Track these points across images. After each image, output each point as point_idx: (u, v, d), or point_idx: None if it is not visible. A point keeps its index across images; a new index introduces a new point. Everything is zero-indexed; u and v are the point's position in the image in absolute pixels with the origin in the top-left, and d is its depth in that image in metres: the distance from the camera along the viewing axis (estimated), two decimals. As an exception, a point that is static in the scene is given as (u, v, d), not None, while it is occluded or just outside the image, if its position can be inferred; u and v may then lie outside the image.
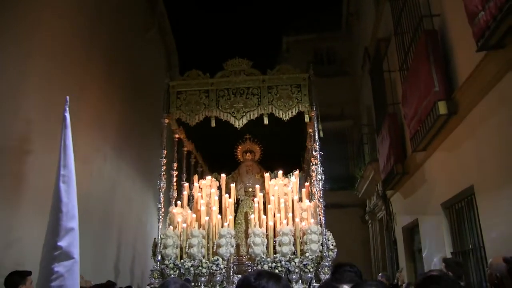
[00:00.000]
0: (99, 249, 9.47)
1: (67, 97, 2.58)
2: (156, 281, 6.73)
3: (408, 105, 8.29)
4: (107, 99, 10.58)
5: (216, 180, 8.45)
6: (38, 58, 7.38)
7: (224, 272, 6.81)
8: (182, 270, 6.80)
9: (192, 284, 6.75)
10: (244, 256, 7.54)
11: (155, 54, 15.34)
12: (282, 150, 9.07)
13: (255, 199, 7.79)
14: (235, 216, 8.07)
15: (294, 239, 6.96)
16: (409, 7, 8.24)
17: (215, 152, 9.50)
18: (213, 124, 7.59)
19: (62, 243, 2.30)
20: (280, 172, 8.18)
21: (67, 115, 2.55)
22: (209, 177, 8.46)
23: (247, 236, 7.56)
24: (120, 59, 11.32)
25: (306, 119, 7.55)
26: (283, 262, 6.71)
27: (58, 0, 8.38)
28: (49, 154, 6.69)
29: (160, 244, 7.06)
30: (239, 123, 7.55)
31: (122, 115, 11.44)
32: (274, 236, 7.09)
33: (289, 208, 7.54)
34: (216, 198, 7.75)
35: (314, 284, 6.61)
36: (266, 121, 7.47)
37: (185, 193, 8.15)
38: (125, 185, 11.62)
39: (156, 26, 14.76)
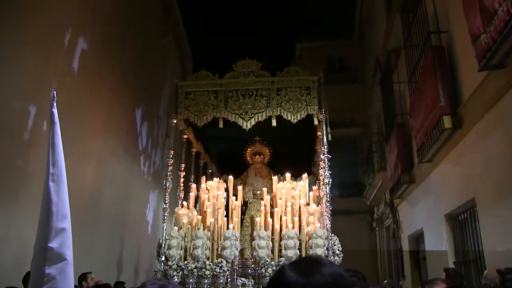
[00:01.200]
0: (111, 250, 9.79)
1: (54, 92, 2.49)
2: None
3: (415, 117, 8.52)
4: (120, 103, 10.86)
5: (224, 182, 8.40)
6: (50, 58, 7.61)
7: (227, 275, 6.71)
8: (185, 272, 6.74)
9: (195, 285, 6.75)
10: (249, 259, 7.46)
11: (170, 59, 15.66)
12: (292, 153, 9.13)
13: (262, 202, 7.79)
14: (242, 219, 8.03)
15: (300, 243, 6.89)
16: (418, 21, 8.47)
17: (224, 153, 9.57)
18: (220, 125, 7.55)
19: (53, 244, 2.19)
20: (288, 175, 8.12)
21: (55, 111, 2.43)
22: (216, 179, 8.43)
23: (252, 239, 7.53)
24: (134, 63, 11.62)
25: (315, 122, 7.46)
26: None
27: (75, 4, 8.64)
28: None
29: (165, 245, 7.00)
30: (247, 125, 7.48)
31: (134, 119, 11.74)
32: (280, 240, 7.01)
33: (296, 211, 7.48)
34: (223, 200, 7.71)
35: None
36: (274, 123, 7.42)
37: (192, 194, 8.11)
38: (138, 187, 11.93)
39: (171, 33, 15.07)
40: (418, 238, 10.69)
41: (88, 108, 9.09)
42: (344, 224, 7.36)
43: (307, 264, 1.42)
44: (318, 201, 7.93)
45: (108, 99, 10.15)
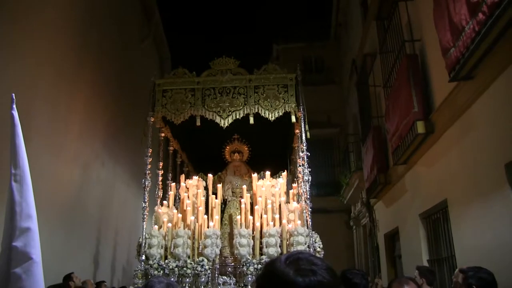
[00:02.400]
0: (96, 250, 9.96)
1: (13, 94, 2.48)
2: (140, 281, 6.62)
3: (390, 121, 8.87)
4: (102, 106, 11.00)
5: (203, 180, 8.39)
6: (31, 63, 7.62)
7: (209, 273, 6.67)
8: (166, 271, 6.68)
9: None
10: (228, 257, 7.44)
11: (148, 60, 15.77)
12: (270, 151, 9.08)
13: (242, 200, 7.68)
14: (221, 217, 7.97)
15: (281, 241, 6.86)
16: (393, 28, 8.81)
17: (202, 152, 9.40)
18: (198, 123, 7.46)
19: (17, 243, 2.20)
20: (268, 173, 8.15)
21: (15, 113, 2.45)
22: (195, 177, 8.38)
23: (231, 237, 7.62)
24: (113, 66, 11.75)
25: (293, 119, 7.42)
26: None
27: (53, 5, 8.65)
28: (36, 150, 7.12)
29: (145, 244, 6.92)
30: (224, 123, 7.42)
31: (116, 122, 11.90)
32: (261, 238, 6.98)
33: (276, 209, 7.48)
34: (203, 198, 7.65)
35: None
36: (251, 120, 7.35)
37: (171, 192, 8.09)
38: (121, 188, 12.11)
39: (151, 36, 15.22)
40: (393, 236, 11.08)
41: (73, 111, 9.23)
42: (322, 223, 7.38)
43: (304, 263, 1.43)
44: (297, 199, 7.97)
45: (89, 102, 10.25)
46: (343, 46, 19.05)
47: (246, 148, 9.18)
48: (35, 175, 7.52)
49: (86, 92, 10.14)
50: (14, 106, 2.46)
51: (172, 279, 6.55)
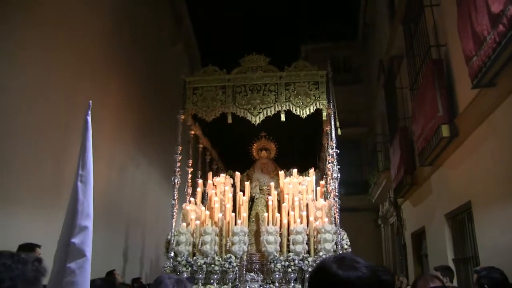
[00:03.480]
0: (130, 249, 10.39)
1: (90, 102, 2.60)
2: None
3: (417, 124, 9.08)
4: (134, 108, 11.42)
5: (231, 177, 8.34)
6: (63, 66, 7.90)
7: (236, 270, 6.67)
8: (194, 267, 6.71)
9: (204, 281, 6.73)
10: (254, 254, 7.43)
11: (179, 61, 16.09)
12: (298, 149, 9.10)
13: (269, 197, 7.60)
14: (249, 215, 7.87)
15: (308, 238, 6.85)
16: (419, 33, 9.03)
17: (230, 149, 9.42)
18: (229, 120, 7.51)
19: (76, 240, 2.32)
20: (295, 170, 8.07)
21: (89, 118, 2.58)
22: (223, 175, 8.38)
23: (257, 235, 7.66)
24: (144, 68, 12.16)
25: (324, 117, 7.43)
26: (296, 261, 6.57)
27: (89, 7, 9.04)
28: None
29: (173, 241, 6.98)
30: (255, 120, 7.42)
31: (148, 123, 12.35)
32: (288, 235, 6.96)
33: (303, 206, 7.43)
34: (230, 195, 7.65)
35: None
36: (283, 117, 7.39)
37: (199, 190, 8.07)
38: (154, 188, 12.56)
39: (182, 41, 15.64)
40: (420, 235, 11.27)
41: (107, 114, 9.70)
42: (350, 221, 7.38)
43: (348, 261, 1.67)
44: (325, 196, 7.98)
45: (121, 104, 10.67)
46: (370, 46, 19.16)
47: (273, 146, 9.13)
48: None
49: (118, 95, 10.53)
50: (90, 112, 2.59)
51: (200, 275, 6.71)
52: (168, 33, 15.04)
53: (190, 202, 7.88)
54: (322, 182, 8.21)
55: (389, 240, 15.60)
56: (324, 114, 7.41)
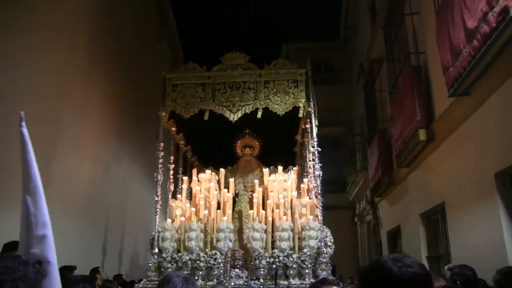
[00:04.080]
0: (113, 246, 10.57)
1: (22, 112, 2.47)
2: (153, 273, 6.68)
3: (395, 127, 9.46)
4: (116, 106, 11.49)
5: (215, 174, 8.33)
6: (48, 65, 7.91)
7: (221, 266, 6.66)
8: (179, 264, 6.68)
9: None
10: (237, 251, 7.35)
11: (162, 59, 16.19)
12: (280, 146, 9.02)
13: (254, 194, 7.56)
14: (232, 211, 7.80)
15: (293, 235, 6.84)
16: (400, 39, 9.40)
17: (213, 146, 9.28)
18: (206, 117, 7.43)
19: (35, 250, 2.30)
20: (280, 168, 8.12)
21: (25, 130, 2.47)
22: (208, 171, 8.36)
23: (240, 232, 7.63)
24: (127, 66, 12.18)
25: (300, 114, 7.38)
26: (281, 258, 6.56)
27: (72, 3, 9.04)
28: (43, 153, 7.56)
29: (158, 237, 6.93)
30: (234, 117, 7.36)
31: (132, 121, 12.46)
32: (273, 232, 6.93)
33: (288, 204, 7.45)
34: (215, 192, 7.60)
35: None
36: (259, 114, 7.33)
37: (184, 186, 8.08)
38: (137, 186, 12.72)
39: (165, 39, 15.79)
40: (396, 234, 11.69)
41: (91, 113, 9.84)
42: (328, 218, 7.50)
43: (402, 259, 1.77)
44: (308, 194, 7.91)
45: (104, 103, 10.74)
46: (351, 47, 19.58)
47: (257, 143, 9.04)
48: (64, 176, 8.03)
49: (101, 92, 10.58)
50: (24, 123, 2.50)
51: (185, 272, 6.54)
52: (152, 31, 15.14)
53: (176, 198, 7.88)
54: (306, 180, 8.16)
55: (365, 238, 16.04)
56: (301, 111, 7.38)
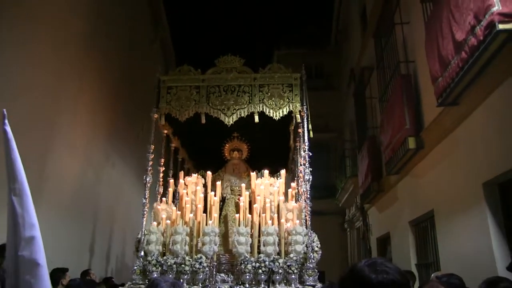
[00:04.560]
0: (106, 247, 10.60)
1: (4, 110, 2.45)
2: (138, 277, 6.64)
3: (385, 134, 9.54)
4: (109, 107, 11.48)
5: (202, 177, 8.36)
6: (40, 64, 7.82)
7: (207, 271, 6.62)
8: (164, 267, 6.64)
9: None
10: (222, 255, 7.35)
11: (154, 61, 16.11)
12: (269, 150, 9.02)
13: (241, 198, 7.54)
14: (219, 215, 7.86)
15: (279, 240, 6.82)
16: (390, 48, 9.48)
17: (201, 149, 9.37)
18: (203, 120, 7.48)
19: (24, 252, 2.27)
20: (266, 172, 8.11)
21: (8, 128, 2.44)
22: (195, 175, 8.39)
23: (226, 237, 7.74)
24: (119, 67, 12.18)
25: (298, 119, 7.44)
26: (267, 262, 6.54)
27: (66, 4, 8.95)
28: (36, 153, 7.44)
29: (144, 240, 6.90)
30: (229, 120, 7.41)
31: (123, 123, 12.46)
32: (259, 236, 6.92)
33: (274, 208, 7.47)
34: (202, 195, 7.63)
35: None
36: (256, 119, 7.37)
37: (170, 189, 8.08)
38: (128, 188, 12.71)
39: (158, 40, 15.81)
40: (385, 240, 11.76)
41: (83, 114, 9.81)
42: (317, 224, 7.47)
43: (379, 265, 1.72)
44: (296, 198, 7.95)
45: (96, 104, 10.70)
46: (342, 52, 19.66)
47: (245, 146, 9.15)
48: (57, 176, 7.99)
49: (93, 93, 10.55)
50: (6, 121, 2.46)
51: (170, 275, 6.53)
52: (144, 33, 15.14)
53: (161, 201, 7.85)
54: (294, 184, 8.23)
55: (355, 244, 16.09)
56: (297, 116, 7.44)
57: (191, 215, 7.27)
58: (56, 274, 6.23)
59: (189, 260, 6.65)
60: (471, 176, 6.08)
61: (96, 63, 10.54)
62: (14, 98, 6.81)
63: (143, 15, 15.11)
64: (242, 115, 7.45)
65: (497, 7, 4.50)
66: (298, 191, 7.88)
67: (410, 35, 8.67)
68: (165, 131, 8.28)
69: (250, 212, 7.34)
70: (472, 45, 4.95)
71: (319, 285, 6.36)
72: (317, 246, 6.89)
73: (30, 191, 2.42)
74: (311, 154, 7.16)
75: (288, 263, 6.53)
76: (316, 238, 6.95)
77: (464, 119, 6.24)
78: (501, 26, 4.43)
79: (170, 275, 6.51)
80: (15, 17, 7.10)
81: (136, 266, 6.74)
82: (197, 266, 6.56)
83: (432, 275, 4.77)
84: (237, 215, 7.29)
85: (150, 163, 7.31)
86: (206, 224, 7.00)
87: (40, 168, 7.74)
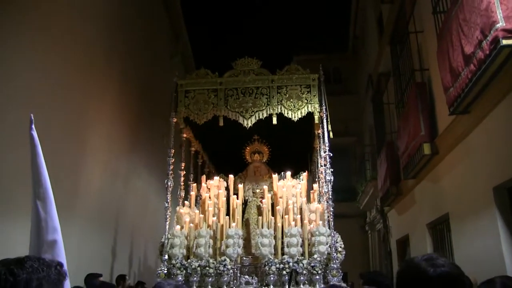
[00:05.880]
0: (130, 254, 11.02)
1: (31, 115, 2.48)
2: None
3: (401, 140, 9.83)
4: (132, 120, 11.82)
5: (224, 180, 8.41)
6: (63, 74, 7.82)
7: (231, 273, 6.68)
8: (189, 270, 6.71)
9: (199, 284, 6.76)
10: (246, 257, 7.45)
11: (175, 73, 16.63)
12: (290, 152, 9.11)
13: (263, 201, 7.65)
14: (242, 217, 7.86)
15: (302, 241, 6.89)
16: (405, 55, 9.78)
17: (222, 152, 9.45)
18: (221, 123, 7.46)
19: (46, 255, 2.23)
20: (289, 173, 8.20)
21: (34, 133, 2.47)
22: (216, 178, 8.49)
23: (247, 239, 7.80)
24: (140, 79, 12.52)
25: (316, 120, 7.43)
26: (290, 264, 6.59)
27: (82, 17, 8.88)
28: (67, 164, 7.69)
29: (167, 244, 6.98)
30: (247, 123, 7.42)
31: (149, 135, 12.89)
32: (282, 238, 7.00)
33: (297, 209, 7.52)
34: (224, 198, 7.70)
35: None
36: (274, 121, 7.38)
37: (193, 193, 8.15)
38: (155, 199, 13.12)
39: (179, 55, 16.25)
40: (405, 242, 12.00)
41: (104, 127, 10.16)
42: (339, 227, 7.59)
43: (435, 259, 1.81)
44: (318, 199, 8.06)
45: (116, 117, 10.88)
46: (360, 58, 19.93)
47: (266, 149, 9.19)
48: (88, 191, 8.40)
49: (116, 109, 10.80)
50: (33, 126, 2.49)
51: (195, 278, 6.72)
52: (165, 47, 15.61)
53: (184, 205, 7.96)
54: (316, 186, 8.36)
55: (376, 246, 16.35)
56: (316, 117, 7.42)
57: (214, 218, 7.38)
58: (90, 279, 6.65)
59: (213, 263, 6.74)
60: (482, 180, 6.37)
61: (116, 80, 10.82)
62: (47, 119, 6.83)
63: (164, 29, 15.56)
64: (261, 117, 7.47)
65: (501, 23, 4.80)
66: (320, 193, 7.96)
67: (424, 43, 8.96)
68: (185, 135, 8.36)
69: (273, 214, 7.45)
70: (479, 58, 5.25)
71: (343, 284, 6.37)
72: (340, 247, 6.97)
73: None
74: (331, 154, 7.16)
75: (312, 264, 6.62)
76: (339, 239, 7.04)
77: (475, 127, 6.53)
78: (504, 42, 4.74)
79: (195, 278, 6.72)
80: (42, 42, 7.17)
81: (160, 270, 6.86)
82: (222, 268, 6.64)
83: None
84: (259, 217, 7.39)
85: (171, 167, 7.37)
86: (229, 227, 7.10)
87: (73, 185, 8.08)
